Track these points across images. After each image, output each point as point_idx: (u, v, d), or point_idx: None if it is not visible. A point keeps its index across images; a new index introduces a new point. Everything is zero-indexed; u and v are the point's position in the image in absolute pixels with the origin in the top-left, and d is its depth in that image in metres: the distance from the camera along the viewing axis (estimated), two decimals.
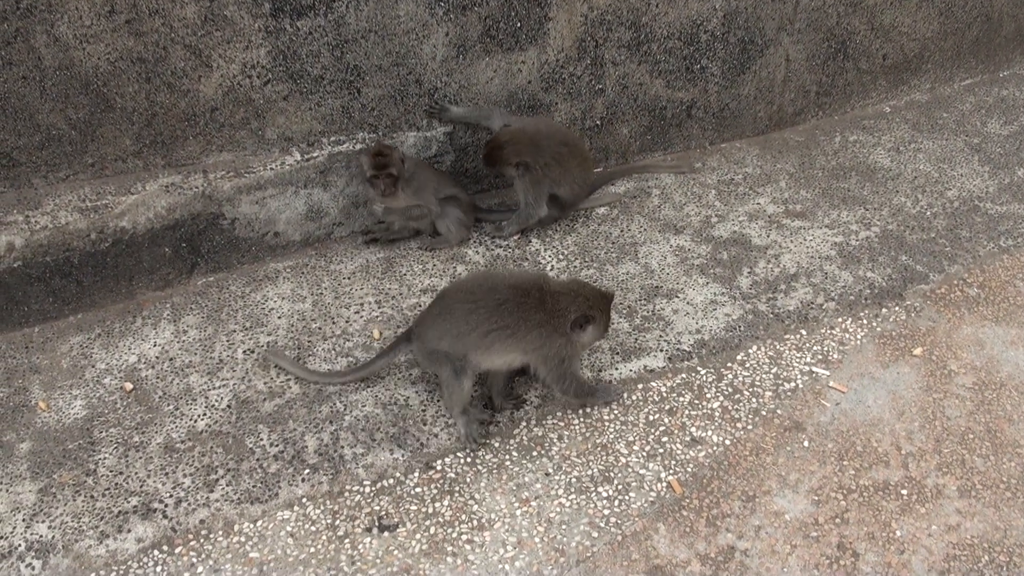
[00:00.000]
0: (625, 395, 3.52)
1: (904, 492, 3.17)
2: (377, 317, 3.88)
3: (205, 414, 3.45)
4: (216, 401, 3.50)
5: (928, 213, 4.60)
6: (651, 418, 3.44)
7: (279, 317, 3.89)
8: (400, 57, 4.14)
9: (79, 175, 3.94)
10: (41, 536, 3.04)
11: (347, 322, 3.86)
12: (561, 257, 4.21)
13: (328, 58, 4.03)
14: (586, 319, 3.23)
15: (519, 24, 4.28)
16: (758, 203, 4.67)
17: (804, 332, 3.84)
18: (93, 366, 3.70)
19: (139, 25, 3.78)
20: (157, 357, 3.72)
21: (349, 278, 4.11)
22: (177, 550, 2.97)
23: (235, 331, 3.83)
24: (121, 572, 2.92)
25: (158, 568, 2.92)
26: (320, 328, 3.83)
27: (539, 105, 4.52)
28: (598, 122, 4.75)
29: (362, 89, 4.15)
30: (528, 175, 4.16)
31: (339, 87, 4.11)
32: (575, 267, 4.14)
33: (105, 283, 3.98)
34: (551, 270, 4.12)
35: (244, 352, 3.72)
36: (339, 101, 4.15)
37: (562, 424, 3.39)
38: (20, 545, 3.02)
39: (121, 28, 3.78)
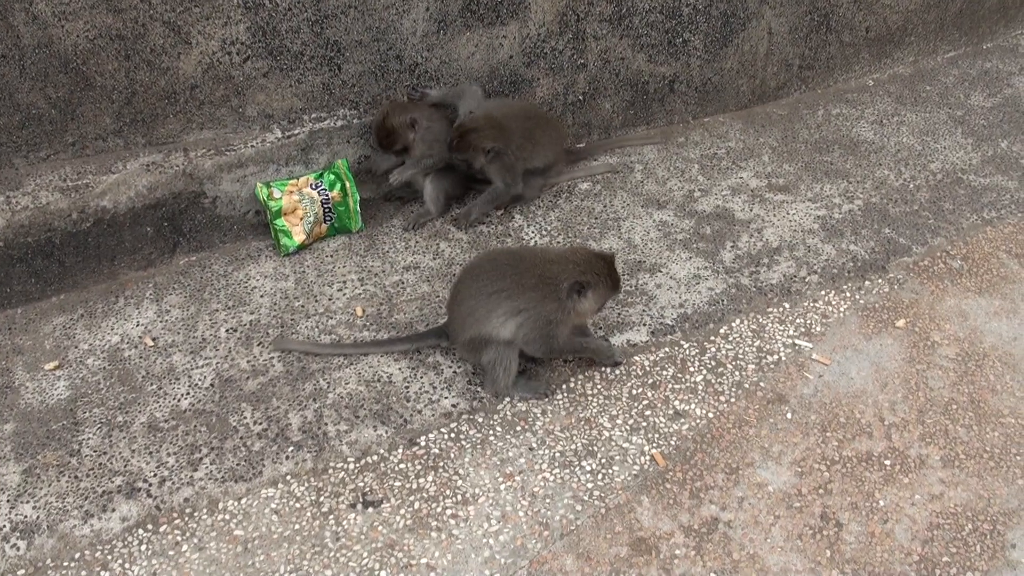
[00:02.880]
0: (607, 370, 3.53)
1: (887, 462, 3.19)
2: (360, 295, 3.87)
3: (188, 393, 3.44)
4: (199, 380, 3.49)
5: (911, 186, 4.61)
6: (634, 392, 3.45)
7: (261, 296, 3.88)
8: (380, 32, 4.11)
9: (60, 155, 3.91)
10: (26, 516, 3.03)
11: (330, 300, 3.85)
12: (544, 233, 4.21)
13: (308, 34, 4.00)
14: (581, 286, 3.20)
15: None
16: (741, 177, 4.67)
17: (787, 305, 3.85)
18: (76, 347, 3.68)
19: (117, 2, 3.74)
20: (139, 337, 3.70)
21: (331, 256, 4.10)
22: (162, 528, 2.97)
23: (218, 310, 3.81)
24: (106, 551, 2.91)
25: (143, 547, 2.92)
26: (303, 306, 3.82)
27: (521, 80, 4.50)
28: (580, 97, 4.74)
29: (343, 65, 4.13)
30: (499, 160, 4.15)
31: (319, 63, 4.08)
32: (558, 243, 4.13)
33: (87, 263, 3.96)
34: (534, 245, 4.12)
35: (227, 331, 3.71)
36: (320, 78, 4.12)
37: (545, 399, 3.40)
38: (5, 526, 3.01)
39: (99, 5, 3.74)
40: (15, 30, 3.72)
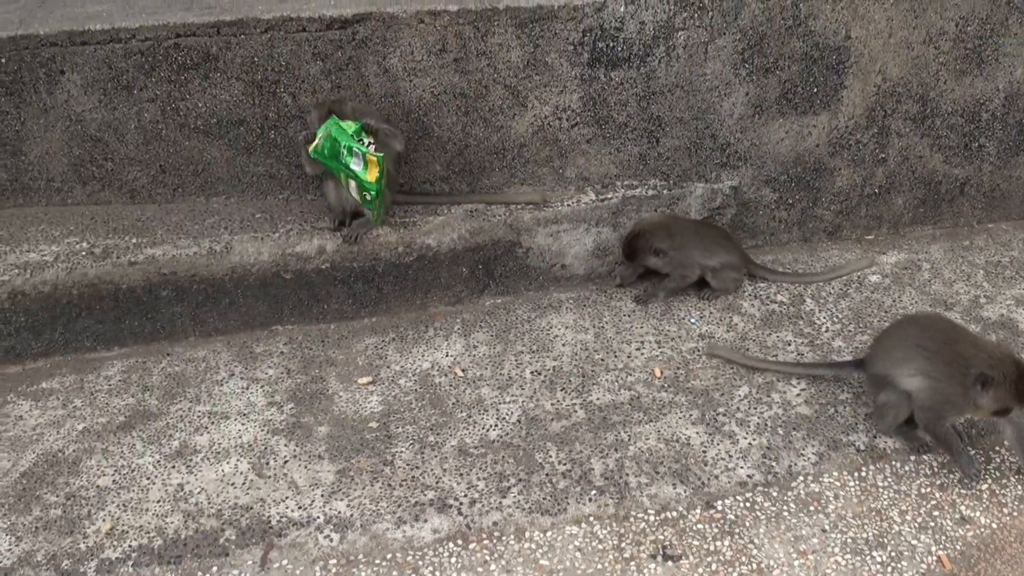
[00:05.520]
0: (898, 463, 3.58)
1: None
2: (657, 356, 4.08)
3: (496, 425, 3.72)
4: (506, 415, 3.77)
5: None
6: (923, 490, 3.48)
7: (563, 344, 4.15)
8: (700, 112, 4.36)
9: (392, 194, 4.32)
10: (339, 512, 3.36)
11: (628, 357, 4.08)
12: (836, 320, 4.29)
13: (634, 107, 4.29)
14: (985, 379, 3.34)
15: (815, 90, 4.42)
16: None
17: None
18: (388, 367, 4.05)
19: (465, 64, 4.15)
20: (449, 367, 4.03)
21: (629, 316, 4.34)
22: (471, 546, 3.23)
23: (522, 352, 4.11)
24: (417, 557, 3.19)
25: (453, 559, 3.18)
26: (603, 360, 4.06)
27: (823, 169, 4.64)
28: (876, 190, 4.82)
29: (660, 139, 4.40)
30: (667, 256, 4.31)
31: (639, 135, 4.37)
32: (849, 331, 4.21)
33: (403, 293, 4.34)
34: (825, 331, 4.22)
35: (532, 372, 3.99)
36: (637, 148, 4.40)
37: (838, 484, 3.48)
38: (319, 517, 3.35)
39: (448, 65, 4.15)
40: (365, 79, 4.18)
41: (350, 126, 3.95)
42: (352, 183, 4.04)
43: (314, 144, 3.96)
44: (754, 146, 4.51)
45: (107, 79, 4.18)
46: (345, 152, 3.92)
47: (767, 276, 4.56)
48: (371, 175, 3.96)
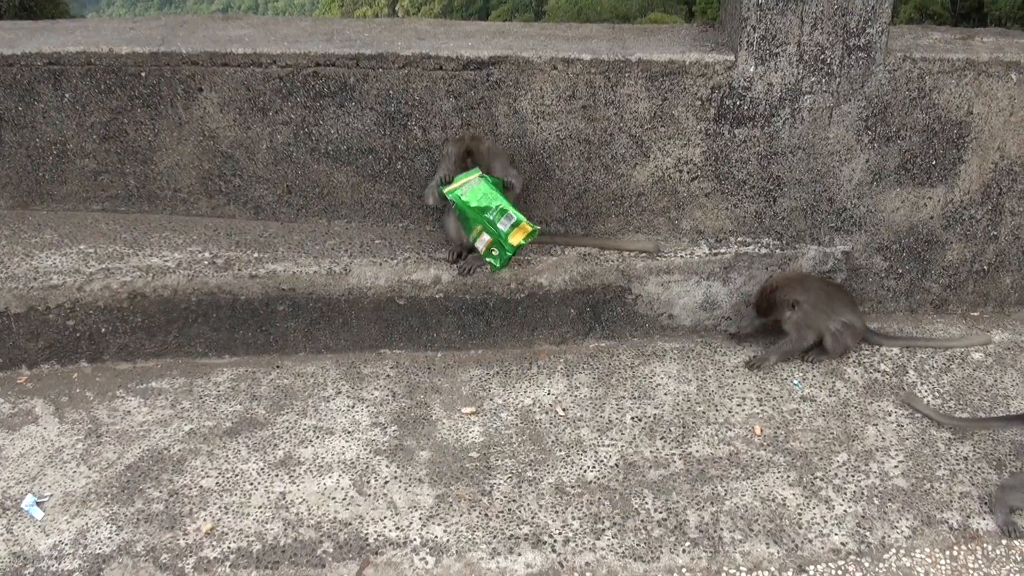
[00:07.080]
0: (990, 547, 3.53)
1: None
2: (758, 414, 4.10)
3: (594, 467, 3.78)
4: (604, 457, 3.82)
5: None
6: None
7: (665, 394, 4.19)
8: (819, 175, 4.39)
9: None
10: (436, 537, 3.45)
11: (729, 412, 4.10)
12: (937, 394, 4.25)
13: (755, 166, 4.35)
14: None
15: (934, 162, 4.42)
16: None
17: None
18: (491, 399, 4.14)
19: (593, 112, 4.26)
20: (551, 405, 4.11)
21: (732, 371, 4.36)
22: None
23: (624, 397, 4.16)
24: None
25: None
26: (704, 412, 4.09)
27: (935, 241, 4.62)
28: (985, 267, 4.77)
29: (778, 198, 4.44)
30: (798, 314, 4.29)
31: (757, 193, 4.42)
32: (949, 407, 4.17)
33: (510, 329, 4.44)
34: (926, 405, 4.18)
35: (632, 418, 4.04)
36: (754, 206, 4.45)
37: (929, 560, 3.42)
38: (415, 539, 3.43)
39: (576, 112, 4.27)
40: (494, 119, 4.31)
41: (495, 183, 4.09)
42: (484, 235, 4.11)
43: (452, 187, 4.09)
44: (869, 213, 4.52)
45: (244, 100, 4.39)
46: (496, 211, 4.03)
47: (882, 341, 4.55)
48: (514, 239, 4.06)
